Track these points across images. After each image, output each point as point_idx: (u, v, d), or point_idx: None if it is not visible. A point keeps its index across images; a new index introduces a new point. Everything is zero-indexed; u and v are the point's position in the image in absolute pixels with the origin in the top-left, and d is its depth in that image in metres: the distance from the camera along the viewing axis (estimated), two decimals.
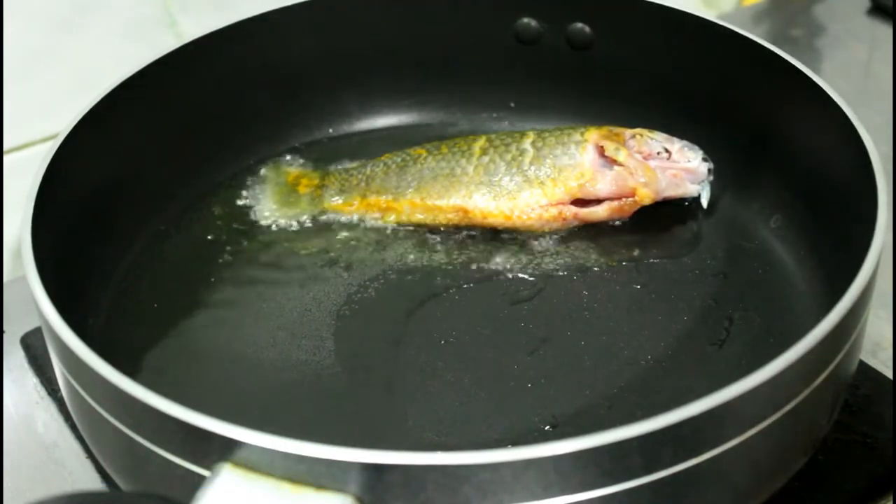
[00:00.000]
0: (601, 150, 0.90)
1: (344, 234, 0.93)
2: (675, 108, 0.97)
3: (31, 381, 0.89)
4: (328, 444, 0.54)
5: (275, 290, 0.87)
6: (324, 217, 0.95)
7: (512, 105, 1.07)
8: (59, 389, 0.76)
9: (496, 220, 0.91)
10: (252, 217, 0.95)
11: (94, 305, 0.83)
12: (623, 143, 0.90)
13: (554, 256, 0.90)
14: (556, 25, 1.02)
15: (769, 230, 0.90)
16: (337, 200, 0.96)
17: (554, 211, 0.90)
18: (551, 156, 0.91)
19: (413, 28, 1.04)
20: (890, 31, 1.33)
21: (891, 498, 0.74)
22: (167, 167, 0.95)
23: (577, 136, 0.91)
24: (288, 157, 1.03)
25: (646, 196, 0.89)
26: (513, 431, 0.74)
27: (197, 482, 0.56)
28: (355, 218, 0.94)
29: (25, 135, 1.02)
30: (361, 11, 1.03)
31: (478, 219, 0.91)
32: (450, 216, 0.92)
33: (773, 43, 0.89)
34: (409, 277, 0.88)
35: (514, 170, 0.91)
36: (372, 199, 0.94)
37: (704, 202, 0.92)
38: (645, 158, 0.90)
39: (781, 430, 0.61)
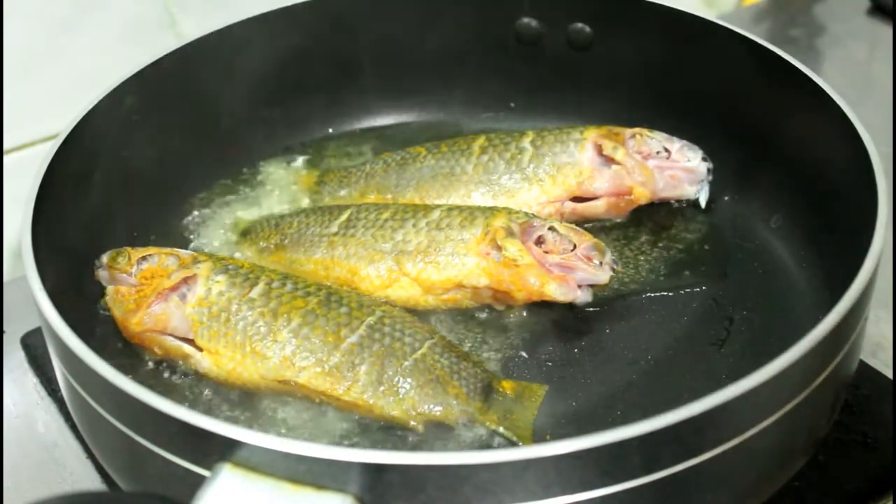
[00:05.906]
0: (599, 149, 0.90)
1: None
2: (675, 107, 0.97)
3: (31, 381, 0.89)
4: (328, 445, 0.54)
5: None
6: None
7: (512, 105, 1.07)
8: (59, 389, 0.76)
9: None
10: (252, 215, 0.96)
11: (94, 306, 0.83)
12: (622, 143, 0.90)
13: None
14: (557, 25, 1.02)
15: (769, 230, 0.90)
16: (335, 196, 0.96)
17: (552, 208, 0.90)
18: (550, 154, 0.91)
19: (413, 28, 1.04)
20: (890, 31, 1.33)
21: (891, 498, 0.74)
22: (167, 166, 0.94)
23: (575, 135, 0.91)
24: (288, 156, 1.03)
25: (642, 195, 0.89)
26: None
27: (197, 482, 0.56)
28: None
29: (25, 135, 1.02)
30: (361, 12, 1.03)
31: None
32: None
33: (773, 43, 0.89)
34: None
35: (513, 168, 0.91)
36: (371, 196, 0.94)
37: (703, 202, 0.92)
38: (644, 158, 0.90)
39: (781, 430, 0.61)
